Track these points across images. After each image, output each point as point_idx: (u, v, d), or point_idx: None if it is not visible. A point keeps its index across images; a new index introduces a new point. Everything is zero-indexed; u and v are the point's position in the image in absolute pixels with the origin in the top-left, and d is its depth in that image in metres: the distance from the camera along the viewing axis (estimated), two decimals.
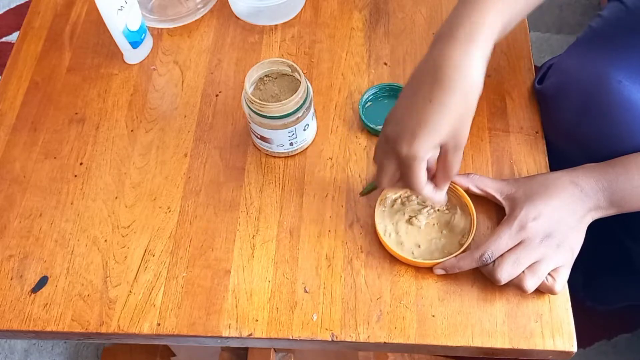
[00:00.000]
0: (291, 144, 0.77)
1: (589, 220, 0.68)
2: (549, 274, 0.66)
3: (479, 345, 0.66)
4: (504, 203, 0.70)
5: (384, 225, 0.73)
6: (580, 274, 1.00)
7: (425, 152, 0.61)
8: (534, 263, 0.66)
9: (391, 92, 0.84)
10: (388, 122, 0.64)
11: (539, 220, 0.66)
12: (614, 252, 0.94)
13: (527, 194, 0.68)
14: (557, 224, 0.66)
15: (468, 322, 0.68)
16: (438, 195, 0.67)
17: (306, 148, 0.80)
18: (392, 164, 0.64)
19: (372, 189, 0.76)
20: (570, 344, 0.66)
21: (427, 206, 0.74)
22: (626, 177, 0.67)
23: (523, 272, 0.66)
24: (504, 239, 0.66)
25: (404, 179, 0.64)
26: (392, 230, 0.72)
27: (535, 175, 0.72)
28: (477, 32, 0.60)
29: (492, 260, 0.66)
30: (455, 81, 0.59)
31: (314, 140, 0.81)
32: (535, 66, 0.86)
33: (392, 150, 0.62)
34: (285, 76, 0.76)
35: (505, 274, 0.65)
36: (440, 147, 0.63)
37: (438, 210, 0.73)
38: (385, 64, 0.87)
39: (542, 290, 0.67)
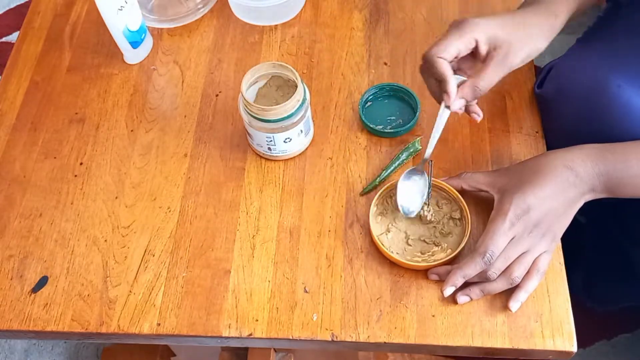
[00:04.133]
0: (269, 148, 0.77)
1: (581, 204, 0.68)
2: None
3: (479, 345, 0.66)
4: (495, 197, 0.70)
5: (379, 228, 0.73)
6: (581, 275, 1.00)
7: (488, 29, 0.68)
8: (520, 254, 0.66)
9: (391, 92, 0.84)
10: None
11: (528, 213, 0.66)
12: (614, 254, 0.94)
13: (518, 183, 0.67)
14: (545, 215, 0.66)
15: (468, 322, 0.68)
16: (453, 80, 0.69)
17: (294, 157, 0.80)
18: (456, 36, 0.69)
19: (372, 189, 0.76)
20: (570, 344, 0.66)
21: (422, 208, 0.73)
22: (624, 165, 0.66)
23: (510, 264, 0.66)
24: (500, 237, 0.66)
25: (448, 35, 0.69)
26: (388, 233, 0.72)
27: (528, 160, 0.71)
28: (554, 14, 0.72)
29: (494, 260, 0.66)
30: (531, 23, 0.71)
31: (313, 140, 0.81)
32: (535, 66, 0.86)
33: (462, 21, 0.69)
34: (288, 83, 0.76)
35: (495, 270, 0.66)
36: (489, 54, 0.69)
37: (433, 214, 0.73)
38: (385, 64, 0.87)
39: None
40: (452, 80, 0.69)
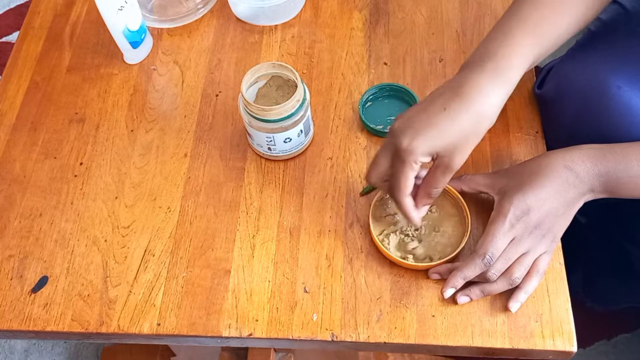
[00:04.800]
0: (269, 148, 0.77)
1: (580, 204, 0.68)
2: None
3: (479, 345, 0.66)
4: (495, 198, 0.70)
5: (379, 229, 0.73)
6: (580, 275, 1.00)
7: (423, 151, 0.62)
8: (520, 255, 0.66)
9: (391, 92, 0.84)
10: (397, 119, 0.65)
11: (528, 214, 0.66)
12: (614, 255, 0.94)
13: (518, 185, 0.67)
14: (546, 216, 0.66)
15: (468, 322, 0.68)
16: (414, 213, 0.67)
17: (294, 157, 0.80)
18: (387, 159, 0.65)
19: (372, 189, 0.76)
20: (570, 344, 0.66)
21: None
22: (625, 166, 0.65)
23: (510, 265, 0.67)
24: (500, 238, 0.66)
25: (393, 176, 0.65)
26: (388, 234, 0.72)
27: (528, 161, 0.71)
28: (506, 68, 0.64)
29: (494, 261, 0.66)
30: (474, 100, 0.62)
31: (313, 140, 0.81)
32: (535, 66, 0.86)
33: (392, 143, 0.63)
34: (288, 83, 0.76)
35: (496, 271, 0.66)
36: (433, 161, 0.63)
37: (431, 213, 0.73)
38: (385, 64, 0.87)
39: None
40: (414, 214, 0.66)
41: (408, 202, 0.66)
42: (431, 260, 0.70)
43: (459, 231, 0.72)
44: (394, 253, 0.70)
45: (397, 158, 0.63)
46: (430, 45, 0.89)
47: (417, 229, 0.72)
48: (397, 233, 0.72)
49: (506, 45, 0.65)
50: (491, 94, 0.63)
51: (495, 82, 0.63)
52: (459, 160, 0.63)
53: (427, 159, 0.63)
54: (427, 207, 0.69)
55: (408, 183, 0.64)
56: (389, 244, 0.71)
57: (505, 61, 0.64)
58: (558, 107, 0.76)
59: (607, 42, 0.76)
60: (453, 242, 0.71)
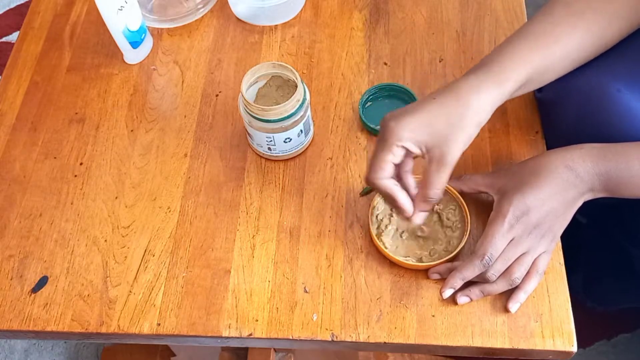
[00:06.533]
0: (269, 148, 0.77)
1: (580, 203, 0.67)
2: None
3: (479, 345, 0.66)
4: (495, 198, 0.69)
5: (378, 229, 0.73)
6: (581, 275, 1.00)
7: (408, 135, 0.62)
8: (520, 255, 0.66)
9: (391, 92, 0.84)
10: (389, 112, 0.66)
11: (528, 215, 0.65)
12: (614, 255, 0.94)
13: (517, 184, 0.67)
14: (545, 216, 0.66)
15: (468, 322, 0.68)
16: (415, 216, 0.66)
17: (294, 157, 0.79)
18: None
19: (372, 189, 0.76)
20: (570, 344, 0.66)
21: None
22: (626, 165, 0.65)
23: (510, 265, 0.66)
24: (499, 239, 0.66)
25: (370, 159, 0.65)
26: (387, 234, 0.72)
27: (527, 161, 0.70)
28: (499, 72, 0.65)
29: (493, 262, 0.66)
30: (463, 93, 0.64)
31: (313, 140, 0.81)
32: None
33: (380, 131, 0.64)
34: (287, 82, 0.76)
35: (495, 272, 0.66)
36: (425, 156, 0.63)
37: (431, 214, 0.73)
38: (385, 64, 0.87)
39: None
40: (401, 195, 0.65)
41: (386, 184, 0.65)
42: (430, 259, 0.70)
43: (459, 231, 0.72)
44: (393, 252, 0.70)
45: (387, 133, 0.63)
46: (430, 45, 0.89)
47: (420, 229, 0.72)
48: (397, 233, 0.72)
49: (502, 53, 0.67)
50: (482, 91, 0.64)
51: (487, 82, 0.65)
52: (451, 154, 0.62)
53: (414, 148, 0.63)
54: (424, 215, 0.67)
55: (384, 166, 0.64)
56: (388, 243, 0.72)
57: (498, 65, 0.66)
58: (558, 110, 0.76)
59: None
60: (453, 242, 0.71)
